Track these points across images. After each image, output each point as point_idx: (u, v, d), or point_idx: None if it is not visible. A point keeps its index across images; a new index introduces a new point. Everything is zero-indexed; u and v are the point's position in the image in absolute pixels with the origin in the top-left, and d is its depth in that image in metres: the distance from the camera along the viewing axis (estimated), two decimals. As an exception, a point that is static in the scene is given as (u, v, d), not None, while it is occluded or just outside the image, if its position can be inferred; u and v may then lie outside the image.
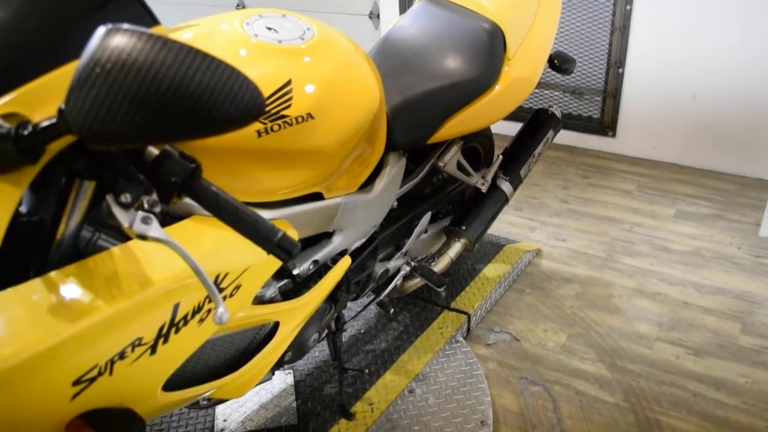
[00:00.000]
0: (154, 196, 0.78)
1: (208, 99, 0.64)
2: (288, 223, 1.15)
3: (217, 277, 0.98)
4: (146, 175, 0.77)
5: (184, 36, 1.11)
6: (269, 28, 1.18)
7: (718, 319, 2.05)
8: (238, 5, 4.18)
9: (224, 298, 1.01)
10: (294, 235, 1.14)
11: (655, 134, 3.18)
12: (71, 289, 0.82)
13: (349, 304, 1.76)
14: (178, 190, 0.76)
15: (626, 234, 2.57)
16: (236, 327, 1.13)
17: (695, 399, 1.74)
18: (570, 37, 3.25)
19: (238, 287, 1.02)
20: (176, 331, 0.93)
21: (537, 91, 3.45)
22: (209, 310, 0.98)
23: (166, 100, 0.62)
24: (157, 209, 0.78)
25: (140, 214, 0.77)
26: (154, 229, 0.77)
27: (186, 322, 0.94)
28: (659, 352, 1.91)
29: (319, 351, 1.87)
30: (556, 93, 3.41)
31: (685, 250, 2.43)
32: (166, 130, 0.63)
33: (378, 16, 3.78)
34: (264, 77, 1.08)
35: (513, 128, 2.28)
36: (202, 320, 0.97)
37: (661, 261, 2.37)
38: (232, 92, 0.65)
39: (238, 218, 0.79)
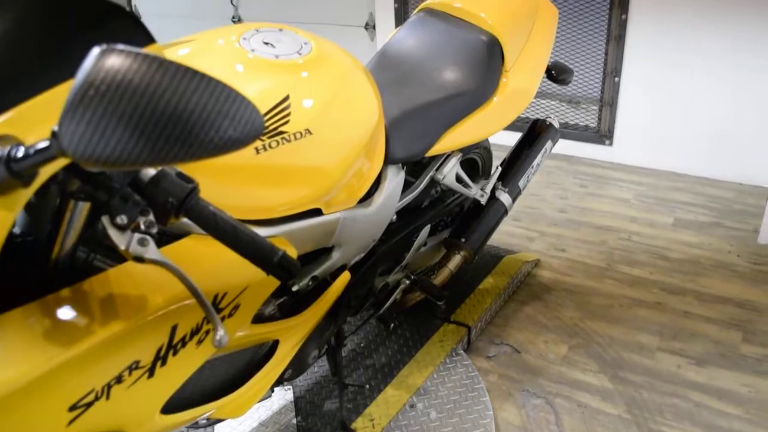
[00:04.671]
0: (151, 217, 0.77)
1: (206, 121, 0.62)
2: (286, 241, 1.13)
3: (216, 297, 0.96)
4: (142, 195, 0.76)
5: (180, 52, 1.10)
6: (266, 43, 1.17)
7: (719, 328, 2.04)
8: (233, 18, 4.18)
9: (223, 318, 1.00)
10: (293, 253, 1.12)
11: (652, 142, 3.18)
12: (66, 313, 0.81)
13: (348, 318, 1.74)
14: (175, 211, 0.75)
15: (625, 243, 2.56)
16: (235, 347, 1.12)
17: (698, 409, 1.72)
18: (566, 46, 3.25)
19: (237, 307, 1.01)
20: (174, 354, 0.92)
21: (534, 100, 3.45)
22: (208, 331, 0.96)
23: (163, 122, 0.60)
24: (154, 230, 0.77)
25: (137, 236, 0.75)
26: (151, 251, 0.76)
27: (184, 344, 0.93)
28: (661, 363, 1.90)
29: (319, 366, 1.85)
30: (553, 102, 3.41)
31: (684, 259, 2.43)
32: (162, 153, 0.61)
33: (374, 28, 3.79)
34: (262, 93, 1.07)
35: (511, 138, 2.27)
36: (200, 341, 0.96)
37: (660, 270, 2.36)
38: (230, 113, 0.64)
39: (237, 239, 0.77)
